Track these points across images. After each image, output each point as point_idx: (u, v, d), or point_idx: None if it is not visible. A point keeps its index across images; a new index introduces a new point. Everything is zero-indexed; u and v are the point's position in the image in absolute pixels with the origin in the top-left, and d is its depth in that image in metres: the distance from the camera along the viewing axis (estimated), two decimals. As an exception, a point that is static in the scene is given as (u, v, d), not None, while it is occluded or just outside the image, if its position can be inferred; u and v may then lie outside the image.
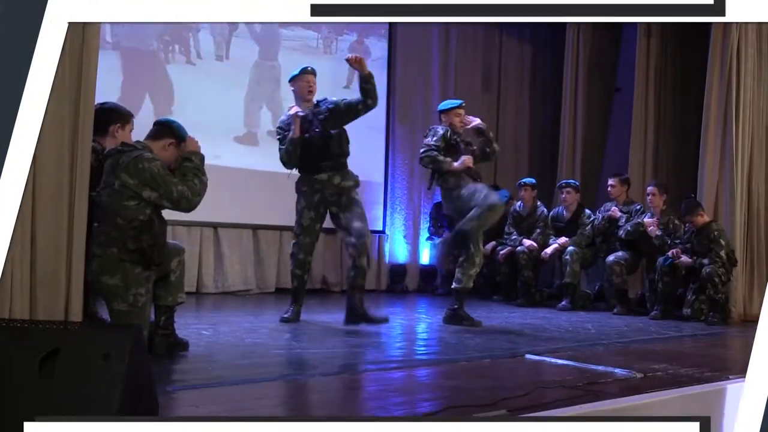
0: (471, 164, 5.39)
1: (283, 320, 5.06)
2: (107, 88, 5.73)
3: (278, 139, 5.23)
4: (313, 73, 5.21)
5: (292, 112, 5.08)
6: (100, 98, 3.80)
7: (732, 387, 3.36)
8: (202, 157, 3.64)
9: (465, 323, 5.21)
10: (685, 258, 6.42)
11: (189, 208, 3.52)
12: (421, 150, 5.45)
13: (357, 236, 4.92)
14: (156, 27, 6.88)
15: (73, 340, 2.12)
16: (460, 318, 5.25)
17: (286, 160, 5.13)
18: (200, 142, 3.70)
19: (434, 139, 5.39)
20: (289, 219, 7.53)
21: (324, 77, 7.95)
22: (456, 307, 5.30)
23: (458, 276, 5.32)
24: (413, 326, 4.99)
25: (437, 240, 8.47)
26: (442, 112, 5.65)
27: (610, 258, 7.03)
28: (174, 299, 3.69)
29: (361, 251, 4.90)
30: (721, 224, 6.59)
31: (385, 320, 4.99)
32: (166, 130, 3.66)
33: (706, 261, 6.29)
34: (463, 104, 5.67)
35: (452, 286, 5.40)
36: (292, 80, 5.28)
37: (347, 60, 4.94)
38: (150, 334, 3.55)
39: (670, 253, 6.45)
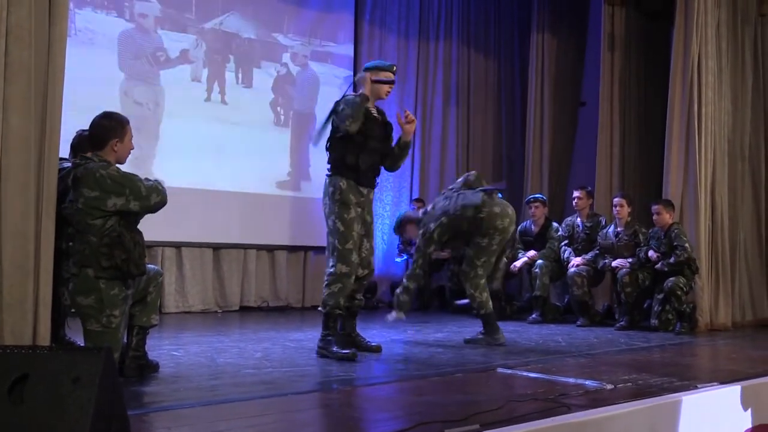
0: None
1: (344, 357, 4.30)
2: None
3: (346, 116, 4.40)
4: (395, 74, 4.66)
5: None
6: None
7: (701, 395, 3.41)
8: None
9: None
10: (653, 254, 6.53)
11: (161, 202, 3.44)
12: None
13: (369, 271, 4.68)
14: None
15: (43, 365, 2.09)
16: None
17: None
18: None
19: None
20: (252, 237, 7.55)
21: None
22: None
23: None
24: (385, 342, 4.98)
25: (406, 257, 8.47)
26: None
27: (572, 270, 7.08)
28: (149, 320, 3.71)
29: (364, 288, 4.74)
30: (682, 226, 6.68)
31: (378, 349, 4.68)
32: (104, 131, 3.47)
33: (671, 260, 6.39)
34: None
35: None
36: (374, 71, 4.59)
37: (401, 118, 4.60)
38: (121, 356, 3.52)
39: (651, 255, 6.53)
